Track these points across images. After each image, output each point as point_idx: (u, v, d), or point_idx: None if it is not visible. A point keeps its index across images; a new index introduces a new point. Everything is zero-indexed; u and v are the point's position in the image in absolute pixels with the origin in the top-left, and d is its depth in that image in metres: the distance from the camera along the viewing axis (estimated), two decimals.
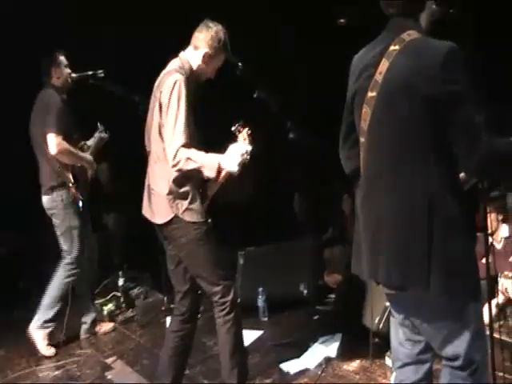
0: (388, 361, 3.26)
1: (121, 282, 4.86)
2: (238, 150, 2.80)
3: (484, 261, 2.58)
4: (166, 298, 4.49)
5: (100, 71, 3.99)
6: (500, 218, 3.96)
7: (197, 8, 3.58)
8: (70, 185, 4.05)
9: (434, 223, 1.88)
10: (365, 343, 3.44)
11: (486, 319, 2.53)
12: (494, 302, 3.68)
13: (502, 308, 3.78)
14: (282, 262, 4.44)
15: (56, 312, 4.14)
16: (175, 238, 2.93)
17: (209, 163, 2.74)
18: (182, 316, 3.08)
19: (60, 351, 4.15)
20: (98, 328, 4.43)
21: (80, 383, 3.69)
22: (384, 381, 3.25)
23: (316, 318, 4.24)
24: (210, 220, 2.95)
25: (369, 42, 2.12)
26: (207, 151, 2.79)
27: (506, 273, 3.78)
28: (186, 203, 2.85)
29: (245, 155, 2.80)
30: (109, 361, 3.97)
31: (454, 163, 1.92)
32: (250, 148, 2.85)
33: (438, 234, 1.88)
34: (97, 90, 4.10)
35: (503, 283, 3.79)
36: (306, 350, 3.70)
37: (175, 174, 2.80)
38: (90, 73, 4.03)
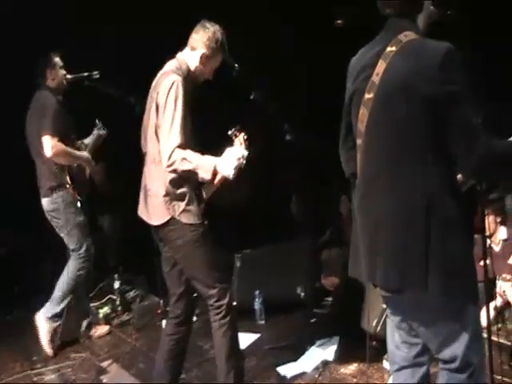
0: (385, 364, 3.24)
1: (116, 284, 4.83)
2: (234, 154, 2.78)
3: (482, 263, 2.57)
4: (161, 301, 4.46)
5: (95, 72, 3.98)
6: (498, 220, 3.94)
7: (197, 8, 3.57)
8: (68, 186, 4.04)
9: (432, 223, 1.87)
10: (362, 346, 3.41)
11: (484, 322, 2.51)
12: (492, 305, 3.67)
13: (500, 311, 3.75)
14: (278, 265, 4.42)
15: (65, 306, 4.14)
16: (171, 239, 2.90)
17: (204, 165, 2.72)
18: (177, 319, 3.06)
19: (55, 354, 4.11)
20: (93, 331, 4.40)
21: None
22: None
23: (313, 320, 4.22)
24: (206, 222, 2.93)
25: (369, 42, 2.10)
26: (203, 153, 2.77)
27: (504, 275, 3.75)
28: (182, 205, 2.84)
29: (241, 159, 2.78)
30: (104, 364, 3.94)
31: (452, 163, 1.91)
32: (246, 153, 2.83)
33: (436, 234, 1.87)
34: (93, 91, 4.08)
35: (501, 286, 3.76)
36: (303, 354, 3.68)
37: (172, 176, 2.78)
38: (86, 74, 4.01)
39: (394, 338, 2.23)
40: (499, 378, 2.80)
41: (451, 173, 1.96)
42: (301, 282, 4.41)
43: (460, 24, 2.39)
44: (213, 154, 2.80)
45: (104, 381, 3.72)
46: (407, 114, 1.87)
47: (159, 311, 4.53)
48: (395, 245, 1.94)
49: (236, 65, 3.12)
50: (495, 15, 4.26)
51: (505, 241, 3.94)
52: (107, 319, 4.61)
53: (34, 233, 4.87)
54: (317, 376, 3.42)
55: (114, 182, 5.61)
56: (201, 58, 2.93)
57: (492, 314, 3.55)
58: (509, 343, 3.34)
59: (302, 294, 4.41)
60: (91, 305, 4.64)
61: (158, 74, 2.95)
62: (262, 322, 4.31)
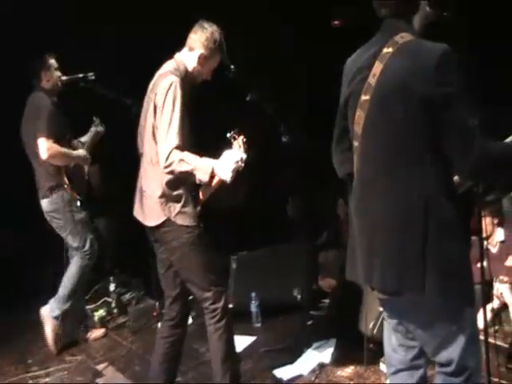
0: (382, 366, 3.23)
1: (112, 287, 4.80)
2: (233, 157, 2.76)
3: (479, 265, 2.56)
4: (157, 304, 4.44)
5: (90, 74, 3.96)
6: (495, 221, 3.94)
7: (197, 8, 3.55)
8: (66, 186, 4.05)
9: (429, 225, 1.87)
10: (359, 349, 3.39)
11: (481, 324, 2.50)
12: (489, 307, 3.66)
13: (497, 313, 3.75)
14: (275, 267, 4.41)
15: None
16: (167, 241, 2.89)
17: (202, 167, 2.70)
18: (172, 321, 3.05)
19: (50, 357, 4.10)
20: (88, 334, 4.38)
21: None
22: None
23: (310, 323, 4.19)
24: (202, 224, 2.91)
25: (365, 43, 2.10)
26: (201, 154, 2.75)
27: (501, 277, 3.75)
28: (178, 206, 2.82)
29: (239, 162, 2.76)
30: (100, 367, 3.92)
31: (449, 164, 1.91)
32: (244, 156, 2.81)
33: (433, 235, 1.87)
34: (88, 93, 4.06)
35: (498, 288, 3.76)
36: (299, 356, 3.66)
37: (168, 177, 2.77)
38: (81, 76, 3.99)
39: (391, 340, 2.22)
40: (496, 380, 2.80)
41: (448, 174, 1.96)
42: (297, 284, 4.39)
43: (456, 25, 2.39)
44: (210, 156, 2.78)
45: None
46: (404, 116, 1.87)
47: (155, 314, 4.49)
48: (392, 246, 1.94)
49: (232, 66, 3.11)
50: (492, 17, 4.26)
51: (502, 242, 3.94)
52: (103, 322, 4.59)
53: (34, 233, 4.85)
54: (313, 378, 3.41)
55: (109, 183, 5.60)
56: (199, 58, 2.91)
57: (489, 315, 3.55)
58: (506, 345, 3.32)
59: (299, 297, 4.40)
60: (86, 307, 4.62)
61: (156, 75, 2.94)
62: (259, 324, 4.30)
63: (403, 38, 1.92)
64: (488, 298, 3.61)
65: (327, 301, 4.53)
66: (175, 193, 2.82)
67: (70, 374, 3.86)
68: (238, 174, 2.77)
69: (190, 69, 2.93)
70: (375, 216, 1.98)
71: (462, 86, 1.84)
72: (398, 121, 1.89)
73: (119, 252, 5.40)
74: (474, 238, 2.75)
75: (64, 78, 4.06)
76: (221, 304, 2.90)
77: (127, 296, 4.92)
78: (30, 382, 3.81)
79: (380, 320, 3.33)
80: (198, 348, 3.92)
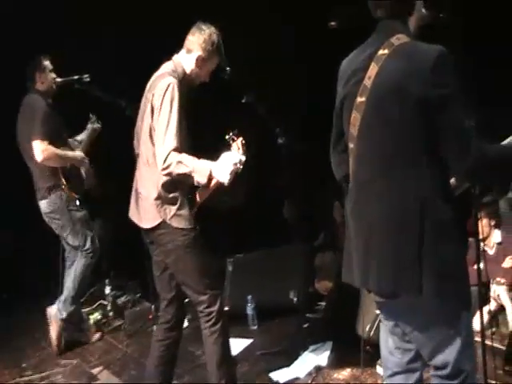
0: (379, 369, 3.21)
1: (107, 290, 4.78)
2: (231, 159, 2.73)
3: (476, 267, 2.55)
4: (153, 306, 4.42)
5: (85, 76, 3.95)
6: (492, 223, 3.93)
7: (197, 8, 3.55)
8: (63, 186, 4.05)
9: (425, 227, 1.86)
10: (356, 351, 3.38)
11: (478, 326, 2.50)
12: (486, 309, 3.65)
13: (494, 315, 3.74)
14: (271, 269, 4.40)
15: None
16: (162, 243, 2.87)
17: (200, 169, 2.68)
18: (167, 324, 3.02)
19: (45, 361, 4.07)
20: (84, 337, 4.34)
21: None
22: None
23: (306, 325, 4.17)
24: (198, 227, 2.89)
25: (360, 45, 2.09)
26: (199, 157, 2.73)
27: (498, 279, 3.75)
28: (174, 209, 2.80)
29: (237, 165, 2.73)
30: (95, 371, 3.89)
31: (446, 166, 1.91)
32: (243, 158, 2.79)
33: (429, 237, 1.86)
34: (84, 94, 4.05)
35: (495, 290, 3.75)
36: (295, 359, 3.65)
37: (165, 179, 2.75)
38: (76, 77, 3.99)
39: (388, 343, 2.22)
40: (493, 382, 2.78)
41: (444, 176, 1.95)
42: (294, 286, 4.37)
43: (452, 27, 2.38)
44: (209, 158, 2.76)
45: None
46: (400, 117, 1.87)
47: (151, 317, 4.48)
48: (388, 248, 1.93)
49: (227, 68, 3.09)
50: (487, 19, 4.26)
51: (499, 244, 3.94)
52: (98, 325, 4.56)
53: (34, 233, 4.83)
54: (310, 381, 3.39)
55: (105, 185, 5.57)
56: (197, 60, 2.90)
57: (486, 317, 3.54)
58: (503, 347, 3.31)
59: (295, 299, 4.38)
60: (82, 310, 4.58)
61: (153, 76, 2.92)
62: (255, 327, 4.28)
63: (399, 39, 1.91)
64: (485, 299, 3.59)
65: (324, 303, 4.52)
66: (171, 195, 2.80)
67: (64, 378, 3.84)
68: (236, 176, 2.75)
69: (187, 71, 2.92)
70: (371, 218, 1.97)
71: (458, 88, 1.84)
72: (393, 122, 1.89)
73: (115, 254, 5.38)
74: (470, 239, 2.74)
75: (59, 79, 4.06)
76: (216, 307, 2.87)
77: (123, 299, 4.88)
78: None
79: (377, 322, 3.32)
80: (193, 351, 3.90)
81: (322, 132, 2.26)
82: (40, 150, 3.84)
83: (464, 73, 1.97)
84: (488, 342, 2.84)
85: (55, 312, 4.10)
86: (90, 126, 4.35)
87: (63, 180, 4.05)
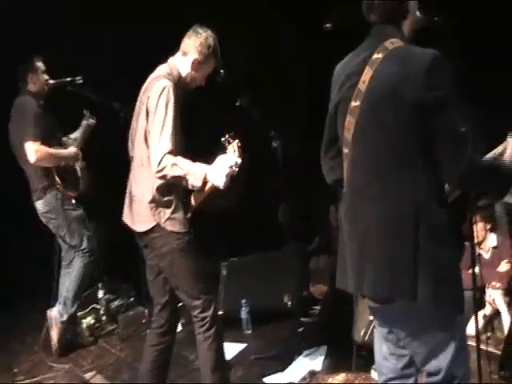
0: (374, 374, 3.20)
1: (101, 293, 4.74)
2: (227, 162, 2.71)
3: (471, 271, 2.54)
4: (146, 311, 4.39)
5: (78, 78, 3.94)
6: (488, 227, 3.92)
7: (197, 8, 3.54)
8: (58, 185, 4.03)
9: (420, 231, 1.85)
10: (350, 356, 3.37)
11: (473, 330, 2.49)
12: (481, 314, 3.64)
13: (489, 319, 3.73)
14: (265, 273, 4.38)
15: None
16: (156, 246, 2.85)
17: (195, 172, 2.66)
18: (161, 328, 3.00)
19: (37, 366, 4.03)
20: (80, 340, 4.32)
21: None
22: None
23: (301, 330, 4.14)
24: (192, 231, 2.87)
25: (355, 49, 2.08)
26: (194, 160, 2.71)
27: (493, 283, 3.74)
28: (168, 212, 2.78)
29: (233, 167, 2.71)
30: (88, 376, 3.85)
31: (441, 170, 1.89)
32: (239, 160, 2.76)
33: (424, 241, 1.85)
34: (78, 96, 4.04)
35: (491, 294, 3.74)
36: (290, 363, 3.63)
37: (159, 182, 2.73)
38: (68, 79, 3.98)
39: (382, 349, 2.21)
40: None
41: (440, 180, 1.94)
42: (288, 290, 4.36)
43: (446, 30, 2.38)
44: (204, 161, 2.74)
45: None
46: (395, 121, 1.86)
47: (144, 321, 4.45)
48: (384, 253, 1.92)
49: (222, 70, 3.08)
50: (483, 22, 4.26)
51: (494, 248, 3.93)
52: (91, 329, 4.52)
53: (34, 233, 4.81)
54: None
55: (98, 187, 5.55)
56: (192, 63, 2.88)
57: (481, 322, 3.53)
58: (498, 352, 3.30)
59: (290, 303, 4.36)
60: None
61: (149, 78, 2.90)
62: (249, 331, 4.26)
63: (393, 43, 1.92)
64: (480, 304, 3.59)
65: (318, 307, 4.50)
66: (166, 198, 2.78)
67: (57, 383, 3.79)
68: (232, 179, 2.73)
69: (183, 74, 2.90)
70: (366, 222, 1.96)
71: (453, 91, 1.84)
72: (388, 127, 1.88)
73: (108, 257, 5.35)
74: (466, 243, 2.73)
75: (51, 81, 4.04)
76: (210, 312, 2.85)
77: (116, 303, 4.83)
78: None
79: (371, 327, 3.30)
80: (187, 355, 3.87)
81: (321, 133, 2.25)
82: (33, 150, 3.83)
83: (458, 76, 1.96)
84: (483, 347, 2.82)
85: (56, 315, 4.07)
86: (84, 122, 4.33)
87: (58, 179, 4.04)
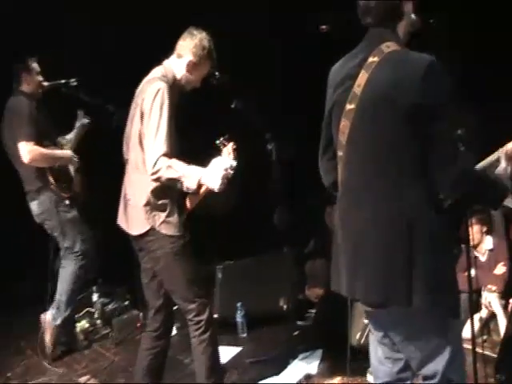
0: (370, 377, 3.19)
1: (95, 297, 4.71)
2: (221, 165, 2.70)
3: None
4: (141, 314, 4.37)
5: (73, 80, 3.92)
6: (484, 229, 3.92)
7: (197, 9, 3.53)
8: (52, 186, 4.01)
9: (415, 235, 1.84)
10: (346, 360, 3.34)
11: (469, 334, 2.47)
12: (477, 317, 3.63)
13: (485, 322, 3.72)
14: (261, 276, 4.37)
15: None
16: (150, 250, 2.84)
17: (190, 174, 2.65)
18: (155, 332, 2.99)
19: (30, 370, 4.00)
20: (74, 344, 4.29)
21: None
22: None
23: (296, 333, 4.14)
24: (187, 234, 2.85)
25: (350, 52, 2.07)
26: (189, 162, 2.70)
27: (489, 286, 3.73)
28: (163, 215, 2.77)
29: (228, 170, 2.70)
30: (82, 380, 3.82)
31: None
32: (234, 163, 2.75)
33: (418, 246, 1.84)
34: (71, 98, 4.02)
35: (487, 297, 3.73)
36: (285, 367, 3.62)
37: (154, 185, 2.72)
38: (63, 81, 3.97)
39: (378, 353, 2.20)
40: None
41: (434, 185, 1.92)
42: (284, 293, 4.34)
43: (441, 33, 2.37)
44: (198, 164, 2.73)
45: None
46: (390, 126, 1.86)
47: (139, 324, 4.43)
48: (377, 258, 1.91)
49: (216, 73, 3.07)
50: (479, 24, 4.28)
51: (490, 251, 3.92)
52: (85, 333, 4.49)
53: (34, 233, 4.79)
54: None
55: (92, 190, 5.53)
56: (187, 65, 2.87)
57: (477, 325, 3.52)
58: (494, 355, 3.29)
59: (285, 307, 4.35)
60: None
61: (143, 81, 2.90)
62: (244, 335, 4.25)
63: (389, 47, 1.91)
64: (476, 307, 3.58)
65: (314, 311, 4.49)
66: (160, 201, 2.77)
67: None
68: (227, 181, 2.72)
69: (178, 76, 2.89)
70: (360, 226, 1.95)
71: (449, 97, 1.84)
72: (382, 130, 1.88)
73: (103, 261, 5.33)
74: (461, 246, 2.72)
75: (46, 83, 4.03)
76: (205, 316, 2.84)
77: (110, 306, 4.81)
78: None
79: (367, 330, 3.29)
80: (182, 359, 3.85)
81: (317, 135, 2.24)
82: (26, 151, 3.82)
83: (453, 79, 1.95)
84: (479, 350, 2.81)
85: (50, 319, 4.05)
86: (78, 123, 4.31)
87: (52, 180, 4.02)
